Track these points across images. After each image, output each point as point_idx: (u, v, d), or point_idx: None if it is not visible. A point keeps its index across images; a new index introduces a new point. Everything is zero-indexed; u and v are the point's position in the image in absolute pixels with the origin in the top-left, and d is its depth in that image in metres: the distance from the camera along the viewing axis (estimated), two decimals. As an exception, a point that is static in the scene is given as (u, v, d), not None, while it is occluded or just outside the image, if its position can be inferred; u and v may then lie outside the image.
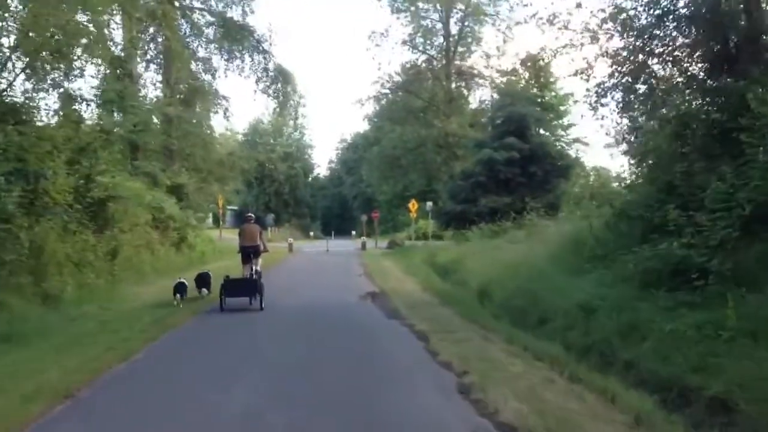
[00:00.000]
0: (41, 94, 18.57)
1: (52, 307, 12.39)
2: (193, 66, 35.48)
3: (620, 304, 8.67)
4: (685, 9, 12.71)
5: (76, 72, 22.79)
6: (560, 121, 54.90)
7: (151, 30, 32.89)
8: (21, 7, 16.99)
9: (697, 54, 12.74)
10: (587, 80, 14.44)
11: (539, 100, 48.69)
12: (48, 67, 21.26)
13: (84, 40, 19.59)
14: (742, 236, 8.41)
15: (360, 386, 6.81)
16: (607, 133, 16.39)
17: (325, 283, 18.47)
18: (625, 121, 14.89)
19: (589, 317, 8.88)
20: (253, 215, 16.83)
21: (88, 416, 5.81)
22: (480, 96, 63.42)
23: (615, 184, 45.94)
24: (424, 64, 60.68)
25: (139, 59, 33.53)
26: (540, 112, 31.09)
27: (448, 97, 59.28)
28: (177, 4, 32.42)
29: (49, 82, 19.03)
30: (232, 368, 7.69)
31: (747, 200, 8.39)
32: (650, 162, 11.98)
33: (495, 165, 28.96)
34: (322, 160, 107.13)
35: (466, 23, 58.32)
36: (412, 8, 57.84)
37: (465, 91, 61.63)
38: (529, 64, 64.51)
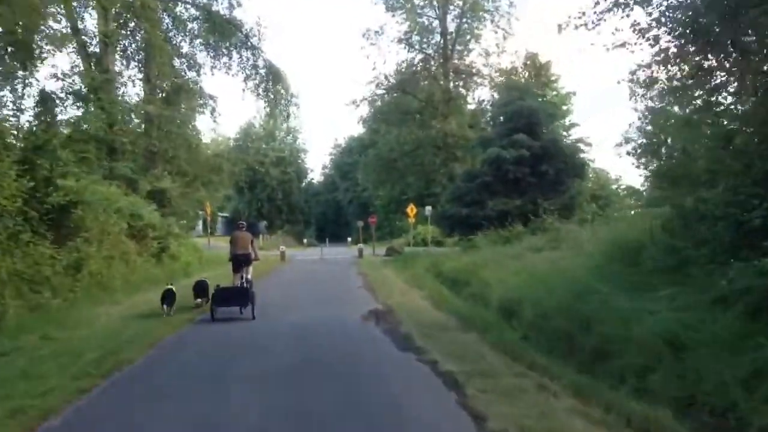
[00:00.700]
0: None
1: (-21, 338, 10.04)
2: (177, 63, 33.20)
3: (726, 338, 6.33)
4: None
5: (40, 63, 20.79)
6: (562, 121, 52.83)
7: (132, 25, 30.70)
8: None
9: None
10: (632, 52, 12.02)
11: (540, 99, 46.45)
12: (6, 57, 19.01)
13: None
14: None
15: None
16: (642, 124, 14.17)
17: (320, 299, 16.06)
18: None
19: (680, 355, 6.53)
20: (244, 222, 16.67)
21: None
22: (478, 96, 61.25)
23: (614, 187, 44.29)
24: (420, 63, 58.55)
25: (118, 56, 31.36)
26: (552, 106, 28.69)
27: (446, 97, 57.07)
28: (158, -6, 30.11)
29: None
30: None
31: None
32: (733, 147, 9.54)
33: (503, 164, 26.64)
34: (316, 164, 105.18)
35: (464, 20, 56.08)
36: (408, 5, 55.66)
37: (463, 91, 59.40)
38: (528, 62, 62.98)
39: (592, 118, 77.17)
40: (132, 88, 31.55)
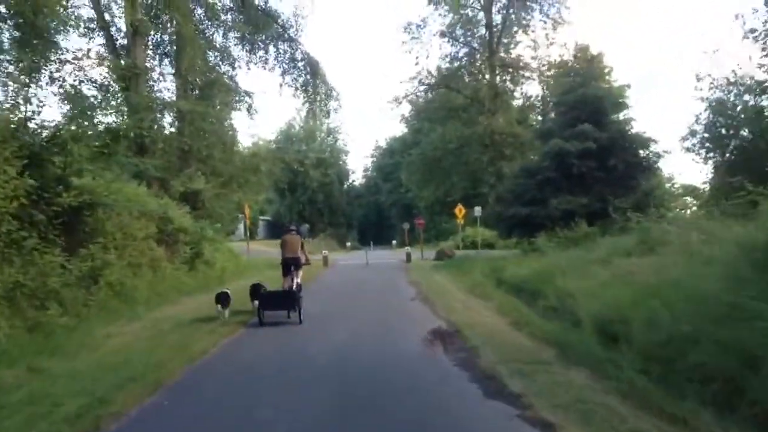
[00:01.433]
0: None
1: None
2: (210, 58, 31.42)
3: None
4: None
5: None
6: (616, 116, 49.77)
7: (163, 18, 28.95)
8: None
9: None
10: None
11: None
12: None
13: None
14: None
15: None
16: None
17: (368, 314, 13.69)
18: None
19: None
20: (295, 226, 16.28)
21: None
22: (526, 91, 58.29)
23: (668, 185, 41.16)
24: (465, 58, 56.03)
25: (150, 52, 29.68)
26: (619, 92, 25.81)
27: (492, 92, 54.39)
28: (189, -16, 28.26)
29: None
30: None
31: None
32: None
33: (566, 158, 23.99)
34: (358, 167, 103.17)
35: (510, 10, 53.31)
36: (451, -3, 53.25)
37: (510, 86, 56.65)
38: (579, 54, 59.88)
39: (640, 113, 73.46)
40: (163, 83, 29.75)
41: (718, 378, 6.52)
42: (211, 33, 30.98)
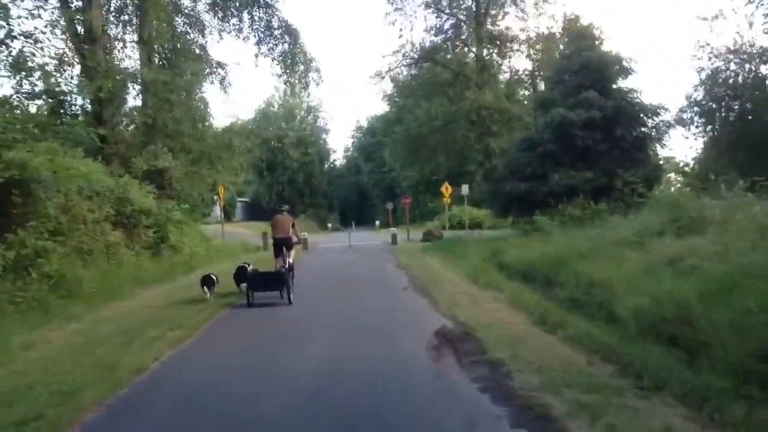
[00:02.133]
0: None
1: None
2: (179, 26, 28.76)
3: None
4: None
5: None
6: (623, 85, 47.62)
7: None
8: None
9: None
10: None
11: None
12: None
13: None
14: None
15: None
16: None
17: (354, 312, 11.25)
18: None
19: None
20: (285, 206, 16.01)
21: None
22: (513, 65, 55.85)
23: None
24: (451, 30, 53.47)
25: (114, 19, 26.98)
26: (626, 57, 23.62)
27: (479, 66, 51.99)
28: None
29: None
30: None
31: None
32: None
33: (569, 128, 21.72)
34: (339, 146, 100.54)
35: (499, -20, 50.90)
36: (437, -36, 50.67)
37: (498, 59, 54.24)
38: (568, 25, 57.54)
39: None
40: (127, 52, 27.01)
41: None
42: (178, -1, 28.26)
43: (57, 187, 14.12)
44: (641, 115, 22.59)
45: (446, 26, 53.23)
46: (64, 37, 23.41)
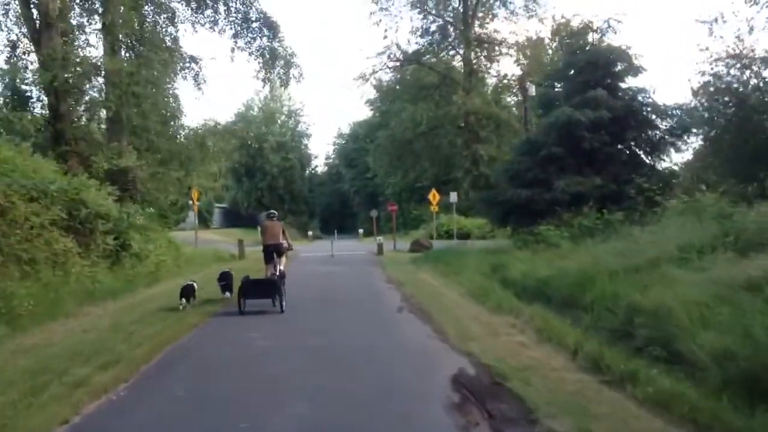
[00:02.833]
0: None
1: None
2: (148, 15, 26.47)
3: None
4: None
5: None
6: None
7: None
8: None
9: None
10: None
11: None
12: None
13: None
14: None
15: None
16: None
17: (340, 347, 8.67)
18: None
19: None
20: (275, 212, 15.47)
21: None
22: (500, 70, 54.18)
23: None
24: (437, 32, 51.69)
25: (76, 7, 24.67)
26: (636, 54, 21.61)
27: (467, 69, 50.31)
28: None
29: None
30: None
31: None
32: None
33: (576, 130, 19.70)
34: (320, 152, 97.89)
35: (488, -20, 49.31)
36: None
37: (486, 63, 52.52)
38: (561, 26, 55.93)
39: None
40: (91, 40, 24.70)
41: None
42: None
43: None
44: (653, 117, 20.68)
45: (433, 28, 51.64)
46: (18, 22, 21.27)
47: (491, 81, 54.72)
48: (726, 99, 25.37)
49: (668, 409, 5.14)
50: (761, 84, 28.76)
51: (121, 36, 23.84)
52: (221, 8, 28.21)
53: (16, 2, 20.60)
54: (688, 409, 5.06)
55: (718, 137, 24.47)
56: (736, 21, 59.58)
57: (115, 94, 21.76)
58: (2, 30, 22.75)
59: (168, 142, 25.03)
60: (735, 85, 28.48)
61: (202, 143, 26.58)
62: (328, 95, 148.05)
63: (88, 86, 22.69)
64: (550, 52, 55.61)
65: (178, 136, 27.02)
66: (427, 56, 52.42)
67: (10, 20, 21.63)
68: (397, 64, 52.77)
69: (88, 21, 24.88)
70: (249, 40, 28.67)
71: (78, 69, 21.52)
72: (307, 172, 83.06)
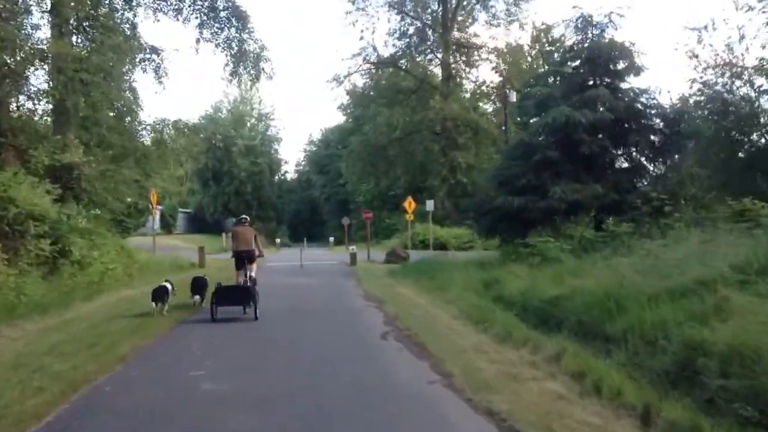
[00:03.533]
0: None
1: None
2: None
3: None
4: None
5: None
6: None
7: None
8: None
9: None
10: None
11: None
12: None
13: None
14: None
15: None
16: None
17: (310, 407, 5.96)
18: None
19: None
20: (247, 218, 14.97)
21: None
22: (477, 76, 52.55)
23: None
24: (415, 36, 49.86)
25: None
26: (638, 51, 19.64)
27: (445, 74, 48.54)
28: None
29: None
30: None
31: None
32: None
33: (574, 132, 17.77)
34: (291, 158, 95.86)
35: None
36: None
37: (465, 68, 50.82)
38: (541, 33, 54.61)
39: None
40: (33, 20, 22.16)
41: None
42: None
43: None
44: (657, 121, 18.82)
45: (411, 30, 49.79)
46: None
47: (469, 87, 53.07)
48: (717, 107, 23.91)
49: None
50: (754, 94, 27.56)
51: (72, 20, 21.44)
52: (186, -5, 25.97)
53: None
54: None
55: (705, 148, 23.10)
56: (726, 29, 59.52)
57: (60, 80, 19.32)
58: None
59: (121, 138, 22.58)
60: (725, 95, 27.17)
61: (160, 140, 24.17)
62: (300, 100, 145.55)
63: (31, 72, 20.18)
64: (529, 59, 54.44)
65: (135, 132, 24.58)
66: (404, 60, 50.58)
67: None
68: (373, 67, 50.78)
69: (36, 1, 22.45)
70: (216, 30, 26.39)
71: (20, 53, 19.11)
72: (277, 177, 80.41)
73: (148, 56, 25.30)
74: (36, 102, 20.52)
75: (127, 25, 24.78)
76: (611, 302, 9.23)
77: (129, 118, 24.67)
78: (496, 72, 49.89)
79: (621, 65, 19.32)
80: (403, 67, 50.18)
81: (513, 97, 47.90)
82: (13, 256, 14.40)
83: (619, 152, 19.22)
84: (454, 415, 5.54)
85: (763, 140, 24.03)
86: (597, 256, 14.01)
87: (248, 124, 73.95)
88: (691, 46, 23.22)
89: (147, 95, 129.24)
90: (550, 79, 23.07)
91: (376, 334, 9.89)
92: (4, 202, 14.31)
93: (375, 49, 49.39)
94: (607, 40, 19.41)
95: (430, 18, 49.70)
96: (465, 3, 48.87)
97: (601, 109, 18.40)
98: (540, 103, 21.25)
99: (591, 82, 19.47)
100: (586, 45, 19.54)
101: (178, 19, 26.16)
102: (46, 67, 20.73)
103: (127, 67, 23.85)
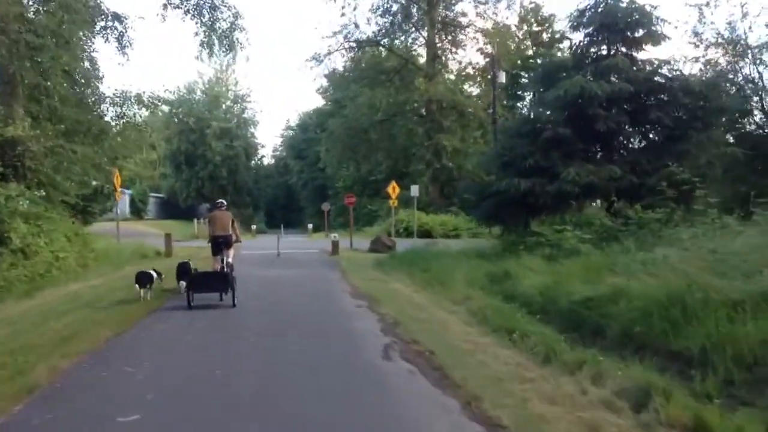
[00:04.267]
0: None
1: None
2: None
3: None
4: None
5: None
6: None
7: None
8: None
9: None
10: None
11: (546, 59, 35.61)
12: None
13: None
14: None
15: None
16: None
17: None
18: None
19: None
20: (224, 202, 14.44)
21: None
22: (463, 58, 50.45)
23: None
24: (399, 12, 47.42)
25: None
26: (659, 19, 17.44)
27: (430, 54, 46.29)
28: None
29: None
30: None
31: None
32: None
33: (588, 106, 15.66)
34: (267, 142, 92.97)
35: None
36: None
37: (452, 48, 48.56)
38: (530, 15, 52.70)
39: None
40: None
41: None
42: None
43: None
44: (681, 95, 16.69)
45: (394, 7, 47.29)
46: None
47: (455, 67, 50.83)
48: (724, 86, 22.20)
49: None
50: (756, 73, 26.00)
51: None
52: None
53: None
54: None
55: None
56: (728, 6, 58.21)
57: (2, 42, 16.87)
58: None
59: (75, 111, 20.12)
60: (730, 75, 25.52)
61: (120, 114, 21.72)
62: (279, 83, 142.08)
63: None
64: (516, 40, 52.43)
65: (94, 107, 22.13)
66: (388, 38, 48.21)
67: None
68: (354, 45, 48.35)
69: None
70: (186, -5, 23.97)
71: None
72: (253, 162, 77.59)
73: (110, 23, 22.87)
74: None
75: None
76: (677, 309, 7.18)
77: (87, 91, 22.27)
78: (483, 54, 47.77)
79: (640, 32, 17.18)
80: (386, 46, 47.74)
81: (502, 77, 45.97)
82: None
83: (638, 129, 17.17)
84: None
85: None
86: (621, 246, 12.02)
87: (223, 106, 71.00)
88: (691, 24, 21.89)
89: (111, 70, 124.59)
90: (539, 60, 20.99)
91: (376, 350, 7.61)
92: None
93: (357, 26, 47.01)
94: (624, 3, 17.28)
95: (415, -6, 47.32)
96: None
97: (616, 81, 16.31)
98: (547, 73, 19.09)
99: (605, 52, 17.36)
100: (599, 9, 17.31)
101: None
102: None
103: (83, 32, 21.39)
